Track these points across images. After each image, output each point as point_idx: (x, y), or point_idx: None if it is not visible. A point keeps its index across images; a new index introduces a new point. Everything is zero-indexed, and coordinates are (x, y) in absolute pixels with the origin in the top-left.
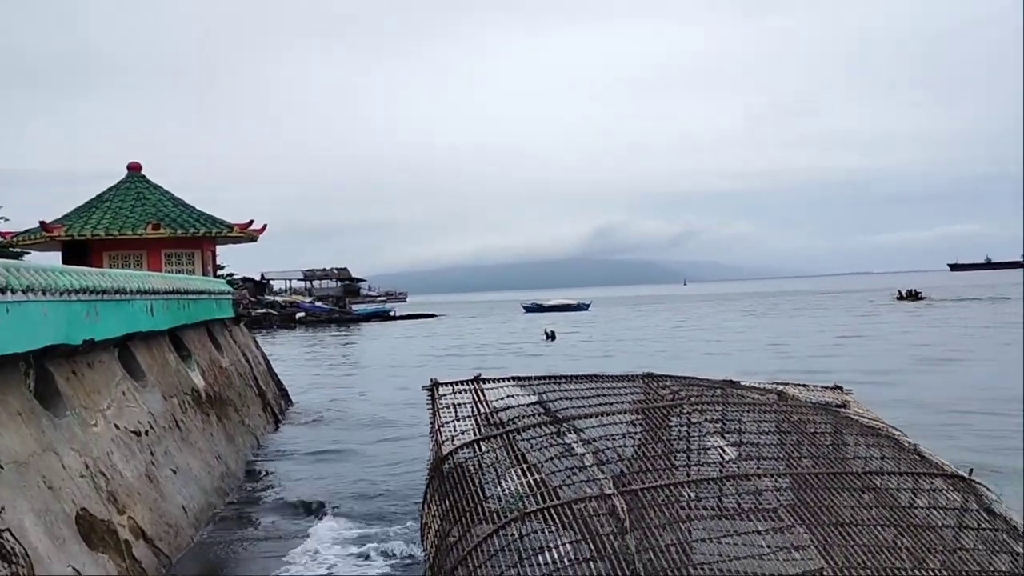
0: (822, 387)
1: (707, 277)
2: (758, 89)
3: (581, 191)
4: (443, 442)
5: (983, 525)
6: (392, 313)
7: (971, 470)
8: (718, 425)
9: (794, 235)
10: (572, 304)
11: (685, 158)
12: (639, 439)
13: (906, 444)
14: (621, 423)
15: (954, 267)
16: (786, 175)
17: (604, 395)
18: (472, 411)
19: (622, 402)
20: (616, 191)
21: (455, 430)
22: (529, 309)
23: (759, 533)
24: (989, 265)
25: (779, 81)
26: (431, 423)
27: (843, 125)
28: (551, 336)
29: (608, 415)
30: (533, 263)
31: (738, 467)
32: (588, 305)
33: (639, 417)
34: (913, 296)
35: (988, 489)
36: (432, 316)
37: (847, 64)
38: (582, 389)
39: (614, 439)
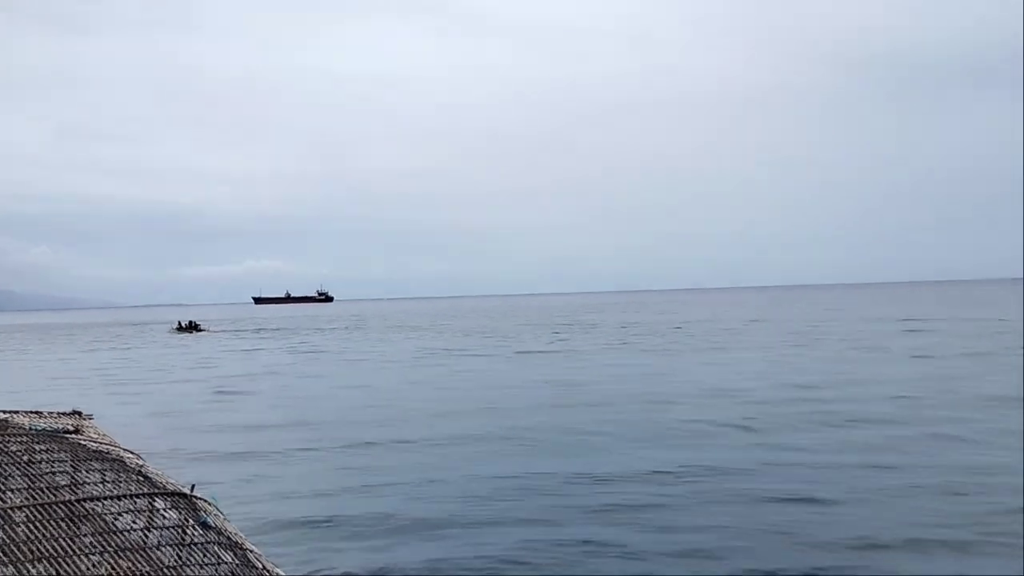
0: (59, 413)
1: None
2: (69, 109)
3: None
4: None
5: (200, 539)
6: None
7: (193, 486)
8: None
9: (105, 265)
10: None
11: None
12: None
13: (133, 466)
14: None
15: (258, 300)
16: (97, 202)
17: None
18: None
19: None
20: None
21: None
22: None
23: None
24: (289, 299)
25: (93, 105)
26: None
27: (163, 157)
28: None
29: None
30: None
31: None
32: None
33: None
34: (192, 328)
35: (207, 503)
36: None
37: (165, 98)
38: None
39: None
